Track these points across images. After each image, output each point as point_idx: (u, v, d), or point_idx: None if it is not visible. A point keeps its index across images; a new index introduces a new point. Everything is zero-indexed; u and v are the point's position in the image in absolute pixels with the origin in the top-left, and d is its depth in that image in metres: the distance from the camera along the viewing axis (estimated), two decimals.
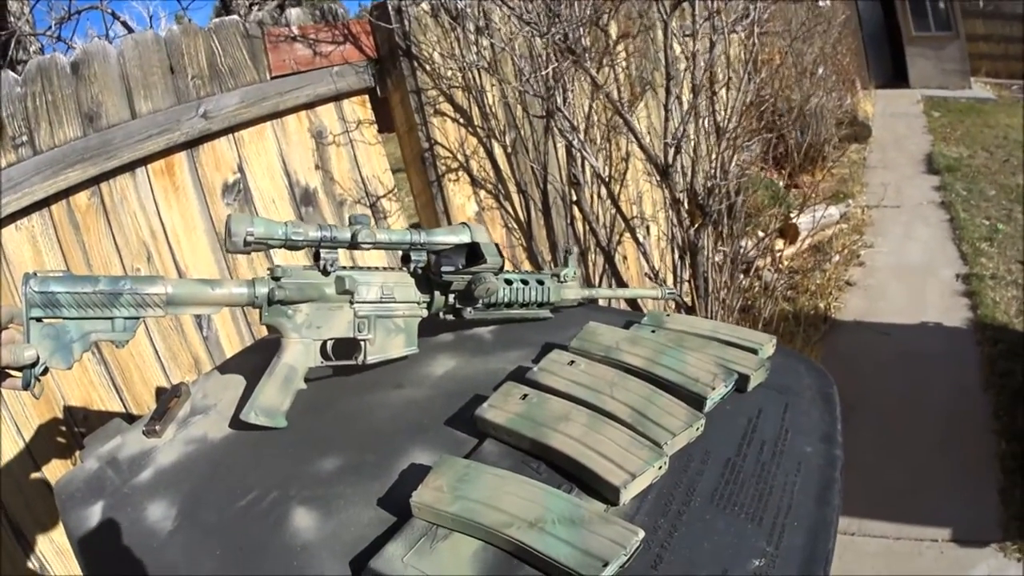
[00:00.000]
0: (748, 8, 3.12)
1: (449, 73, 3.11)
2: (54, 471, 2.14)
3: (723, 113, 3.24)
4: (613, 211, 3.82)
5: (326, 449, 1.29)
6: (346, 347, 1.45)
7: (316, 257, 1.40)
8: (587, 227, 3.78)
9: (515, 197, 3.47)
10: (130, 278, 1.22)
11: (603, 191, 3.74)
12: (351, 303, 1.43)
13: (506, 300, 1.57)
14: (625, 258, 4.21)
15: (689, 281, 3.48)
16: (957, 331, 5.06)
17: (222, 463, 1.32)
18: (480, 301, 1.51)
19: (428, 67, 3.01)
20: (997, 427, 3.99)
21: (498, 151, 3.34)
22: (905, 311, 5.36)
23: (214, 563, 1.08)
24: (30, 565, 2.11)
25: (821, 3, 8.68)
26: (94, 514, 1.25)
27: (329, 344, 1.43)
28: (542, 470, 1.12)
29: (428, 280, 1.51)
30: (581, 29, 3.01)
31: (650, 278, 3.50)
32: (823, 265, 5.86)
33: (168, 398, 1.55)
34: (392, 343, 1.48)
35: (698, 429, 1.18)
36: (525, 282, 1.60)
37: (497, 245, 1.50)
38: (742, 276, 3.87)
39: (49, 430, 2.13)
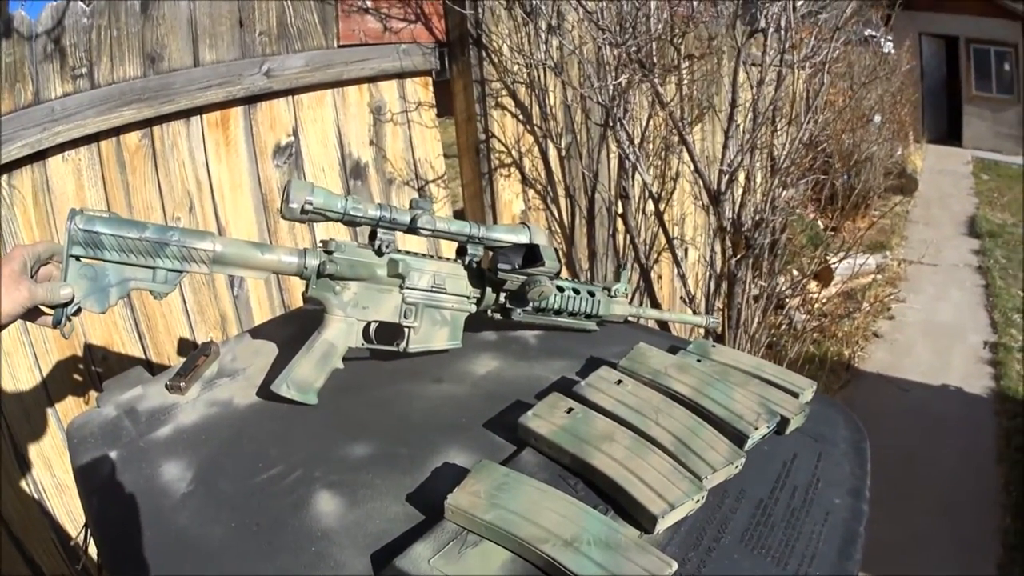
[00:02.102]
0: (820, 47, 3.07)
1: (515, 68, 3.08)
2: (66, 406, 2.13)
3: (780, 148, 3.20)
4: (655, 229, 3.79)
5: (357, 434, 1.27)
6: (389, 332, 1.42)
7: (372, 236, 1.37)
8: (626, 241, 3.74)
9: (562, 201, 3.44)
10: (179, 230, 1.20)
11: (648, 208, 3.71)
12: (401, 288, 1.40)
13: (556, 307, 1.54)
14: (660, 277, 4.17)
15: (722, 310, 3.44)
16: (977, 399, 5.03)
17: (245, 432, 1.30)
18: (531, 304, 1.48)
19: (495, 58, 2.98)
20: (1005, 501, 3.97)
21: (552, 153, 3.31)
22: (928, 371, 5.32)
23: (226, 535, 1.05)
24: (30, 493, 2.10)
25: (885, 49, 8.62)
26: (106, 462, 1.23)
27: (372, 326, 1.40)
28: (579, 487, 1.09)
29: (481, 276, 1.48)
30: (653, 44, 2.98)
31: (684, 301, 3.46)
32: (853, 313, 5.80)
33: (196, 356, 1.53)
34: (437, 334, 1.45)
35: (738, 467, 1.15)
36: (577, 291, 1.57)
37: (557, 250, 1.47)
38: (773, 313, 3.83)
39: (66, 364, 2.12)
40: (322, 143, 2.65)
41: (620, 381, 1.28)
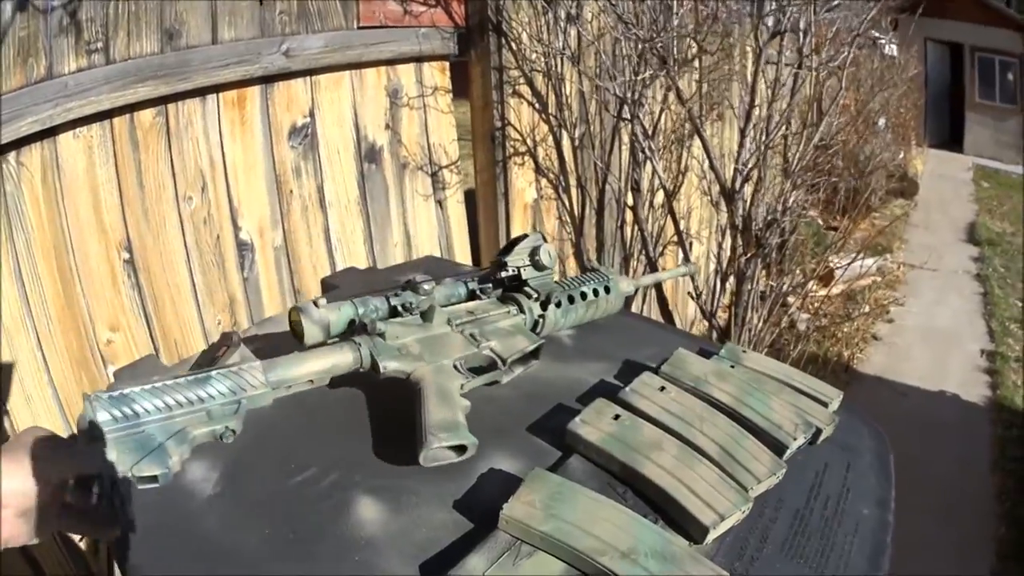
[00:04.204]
0: (840, 50, 3.06)
1: (533, 56, 3.05)
2: (68, 392, 2.09)
3: (794, 149, 3.19)
4: (661, 222, 3.79)
5: (394, 438, 1.22)
6: (482, 369, 1.34)
7: (394, 313, 1.31)
8: (634, 233, 3.73)
9: (573, 191, 3.42)
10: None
11: (656, 201, 3.70)
12: (451, 327, 1.33)
13: (581, 290, 1.53)
14: (664, 270, 4.16)
15: (728, 307, 3.44)
16: (973, 407, 5.06)
17: (274, 429, 1.22)
18: (547, 273, 1.49)
19: (514, 46, 2.95)
20: (999, 510, 4.00)
21: (566, 143, 3.28)
22: (926, 376, 5.33)
23: (261, 542, 1.00)
24: None
25: (888, 51, 8.63)
26: None
27: (460, 363, 1.30)
28: (628, 496, 1.07)
29: (504, 297, 1.47)
30: (676, 40, 2.96)
31: (691, 296, 3.45)
32: (853, 314, 5.81)
33: (217, 346, 1.47)
34: (515, 341, 1.36)
35: (779, 477, 1.14)
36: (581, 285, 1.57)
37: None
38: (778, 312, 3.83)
39: (70, 347, 2.08)
40: (338, 125, 2.62)
41: (663, 388, 1.26)
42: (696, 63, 3.20)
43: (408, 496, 1.09)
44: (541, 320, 1.46)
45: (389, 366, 1.21)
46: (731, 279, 3.35)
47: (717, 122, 4.44)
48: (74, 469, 0.91)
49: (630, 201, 3.62)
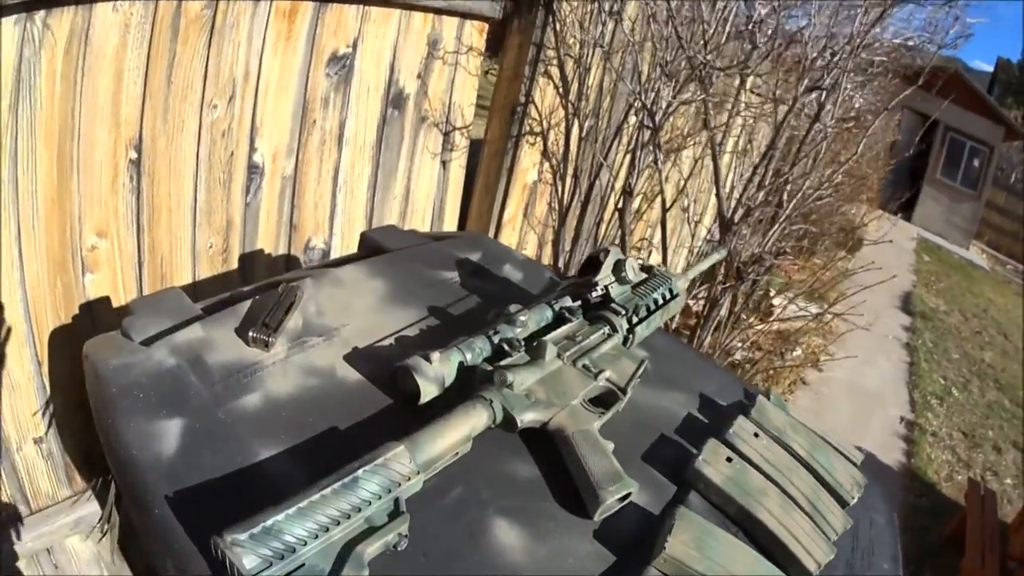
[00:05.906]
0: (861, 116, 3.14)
1: (571, 40, 3.00)
2: (37, 292, 1.87)
3: (788, 195, 3.26)
4: (633, 227, 3.81)
5: (514, 450, 1.15)
6: (600, 400, 1.30)
7: (499, 353, 1.25)
8: (605, 232, 3.74)
9: (568, 180, 3.38)
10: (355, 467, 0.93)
11: (632, 206, 3.71)
12: (562, 359, 1.29)
13: (656, 297, 1.54)
14: None
15: (693, 328, 3.49)
16: (888, 470, 5.23)
17: (366, 420, 1.11)
18: (629, 285, 1.51)
19: (558, 26, 2.90)
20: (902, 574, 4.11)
21: (575, 132, 3.24)
22: (847, 431, 5.44)
23: (387, 564, 0.88)
24: None
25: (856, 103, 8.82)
26: (169, 432, 0.99)
27: (584, 402, 1.26)
28: (740, 537, 1.12)
29: (594, 318, 1.44)
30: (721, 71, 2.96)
31: None
32: (785, 354, 5.91)
33: (281, 303, 1.30)
34: (624, 367, 1.35)
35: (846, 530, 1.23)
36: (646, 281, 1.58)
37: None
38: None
39: (51, 245, 1.87)
40: (375, 62, 2.51)
41: (757, 434, 1.31)
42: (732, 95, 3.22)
43: (547, 522, 1.03)
44: (632, 336, 1.46)
45: (525, 418, 1.15)
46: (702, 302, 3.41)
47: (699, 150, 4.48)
48: None
49: (615, 202, 3.62)
